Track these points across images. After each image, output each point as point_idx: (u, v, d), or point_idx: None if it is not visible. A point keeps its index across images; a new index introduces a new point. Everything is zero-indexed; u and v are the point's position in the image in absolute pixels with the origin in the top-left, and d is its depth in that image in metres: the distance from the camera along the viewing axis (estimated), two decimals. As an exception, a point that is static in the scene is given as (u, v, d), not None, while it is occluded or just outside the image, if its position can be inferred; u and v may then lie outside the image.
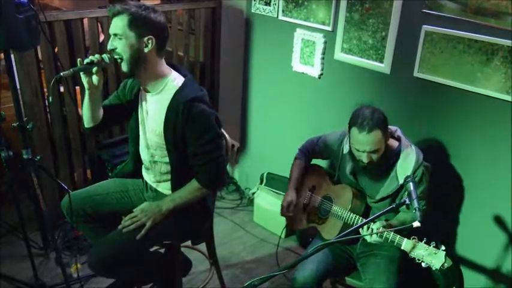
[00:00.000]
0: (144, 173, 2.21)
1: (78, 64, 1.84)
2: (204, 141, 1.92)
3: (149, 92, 1.98)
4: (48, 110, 2.84)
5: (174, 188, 2.06)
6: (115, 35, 1.83)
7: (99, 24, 2.94)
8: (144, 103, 2.03)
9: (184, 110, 1.86)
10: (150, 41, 1.82)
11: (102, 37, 3.10)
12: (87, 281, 2.66)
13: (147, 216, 1.97)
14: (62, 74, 1.77)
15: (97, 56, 1.84)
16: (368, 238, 1.82)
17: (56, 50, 2.76)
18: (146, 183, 2.22)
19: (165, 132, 1.94)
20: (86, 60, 1.83)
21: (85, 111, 2.01)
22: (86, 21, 2.87)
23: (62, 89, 2.85)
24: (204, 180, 1.98)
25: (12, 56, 2.23)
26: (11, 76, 2.19)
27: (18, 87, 2.30)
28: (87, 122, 2.05)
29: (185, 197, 2.02)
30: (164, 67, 1.95)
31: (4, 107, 3.11)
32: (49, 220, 2.56)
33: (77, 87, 2.93)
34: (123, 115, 2.13)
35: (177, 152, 1.97)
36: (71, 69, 1.80)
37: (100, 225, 2.16)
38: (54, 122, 2.86)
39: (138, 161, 2.19)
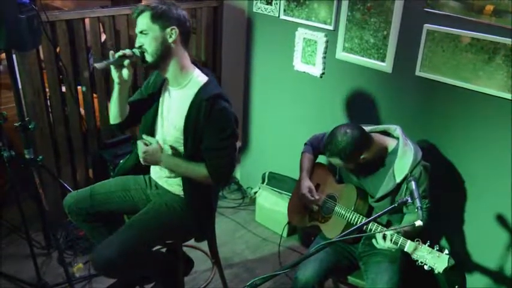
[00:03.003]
0: (154, 168, 2.21)
1: (110, 57, 1.88)
2: (221, 138, 1.95)
3: (173, 86, 2.02)
4: (50, 109, 2.84)
5: (184, 183, 2.07)
6: (141, 32, 1.90)
7: (100, 24, 2.94)
8: (166, 97, 2.07)
9: (208, 106, 1.90)
10: (173, 31, 1.89)
11: (103, 37, 3.10)
12: (89, 280, 2.66)
13: (149, 156, 2.01)
14: (96, 65, 1.82)
15: (127, 49, 1.89)
16: (382, 245, 1.82)
17: (58, 49, 2.76)
18: (150, 180, 2.23)
19: (185, 127, 1.97)
20: (118, 54, 1.88)
21: (113, 107, 2.06)
22: (87, 21, 2.87)
23: (63, 88, 2.86)
24: (212, 174, 2.00)
25: (14, 56, 2.24)
26: (13, 76, 2.20)
27: (20, 87, 2.30)
28: (113, 118, 2.10)
29: (188, 172, 2.03)
30: (189, 63, 2.01)
31: (6, 107, 3.12)
32: (51, 220, 2.57)
33: (79, 87, 2.94)
34: (146, 110, 2.15)
35: (193, 148, 1.99)
36: (104, 62, 1.85)
37: (101, 225, 2.16)
38: (56, 121, 2.87)
39: None
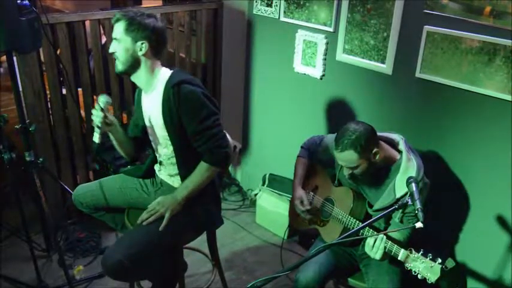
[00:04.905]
0: (158, 171, 2.27)
1: (97, 130, 1.97)
2: (200, 120, 1.96)
3: (146, 91, 2.08)
4: (50, 111, 2.85)
5: (182, 175, 2.10)
6: (115, 39, 1.96)
7: (101, 26, 2.95)
8: (144, 104, 2.13)
9: (174, 94, 1.94)
10: (143, 45, 1.95)
11: (104, 39, 3.11)
12: (90, 282, 2.66)
13: (164, 207, 2.01)
14: (96, 140, 1.98)
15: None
16: (371, 255, 1.82)
17: (58, 52, 2.77)
18: (155, 179, 2.29)
19: (165, 122, 2.01)
20: (97, 126, 1.96)
21: (119, 149, 2.20)
22: (88, 23, 2.87)
23: (64, 90, 2.86)
24: (210, 159, 2.01)
25: (14, 58, 2.24)
26: (14, 78, 2.20)
27: (20, 89, 2.31)
28: (127, 157, 2.25)
29: (196, 180, 2.04)
30: (158, 66, 2.05)
31: (7, 109, 3.13)
32: (52, 222, 2.57)
33: (79, 89, 2.94)
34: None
35: (179, 139, 2.02)
36: (98, 136, 1.97)
37: (105, 213, 2.31)
38: (56, 123, 2.87)
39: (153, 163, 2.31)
